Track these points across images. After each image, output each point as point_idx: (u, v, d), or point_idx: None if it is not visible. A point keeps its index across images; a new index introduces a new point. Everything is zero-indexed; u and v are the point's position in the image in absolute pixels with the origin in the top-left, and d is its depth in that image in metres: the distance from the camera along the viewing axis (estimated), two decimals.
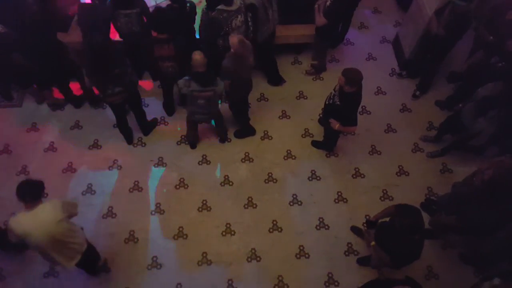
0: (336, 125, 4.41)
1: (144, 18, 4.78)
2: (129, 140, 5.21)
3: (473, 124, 4.39)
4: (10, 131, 5.30)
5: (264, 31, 5.01)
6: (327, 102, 4.49)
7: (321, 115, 5.22)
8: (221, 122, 5.04)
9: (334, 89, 4.37)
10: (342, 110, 4.28)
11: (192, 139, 5.18)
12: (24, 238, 3.24)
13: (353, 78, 4.00)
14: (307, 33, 5.58)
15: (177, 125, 5.42)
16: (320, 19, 4.97)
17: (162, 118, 5.47)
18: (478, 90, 4.48)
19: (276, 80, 5.71)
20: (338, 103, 4.26)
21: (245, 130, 5.31)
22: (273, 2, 4.94)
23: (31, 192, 3.27)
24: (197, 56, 4.13)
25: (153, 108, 5.52)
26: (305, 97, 5.68)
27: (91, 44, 4.07)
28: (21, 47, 4.58)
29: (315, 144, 5.24)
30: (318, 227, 4.74)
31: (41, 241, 3.25)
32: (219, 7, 4.55)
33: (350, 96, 4.14)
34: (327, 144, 5.17)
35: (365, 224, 4.69)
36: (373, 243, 3.64)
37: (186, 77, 4.26)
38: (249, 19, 4.81)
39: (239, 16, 4.66)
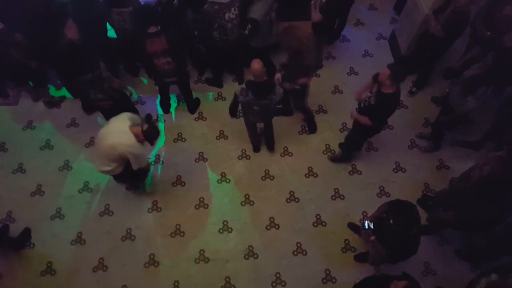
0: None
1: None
2: None
3: (462, 104, 4.39)
4: (6, 129, 5.28)
5: (260, 42, 5.00)
6: (362, 105, 4.32)
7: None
8: (270, 129, 4.95)
9: (370, 92, 4.19)
10: (376, 110, 4.09)
11: (256, 142, 5.11)
12: None
13: (399, 72, 3.84)
14: None
15: (174, 122, 5.42)
16: (316, 16, 4.96)
17: (159, 115, 5.45)
18: (465, 72, 4.49)
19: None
20: (373, 103, 4.08)
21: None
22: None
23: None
24: (256, 65, 3.94)
25: (150, 105, 5.51)
26: None
27: (59, 47, 4.03)
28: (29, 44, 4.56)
29: (333, 159, 5.13)
30: (315, 224, 4.74)
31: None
32: None
33: (388, 97, 3.96)
34: (345, 155, 5.06)
35: (361, 221, 4.70)
36: (373, 237, 3.65)
37: (243, 85, 4.18)
38: (247, 30, 4.77)
39: (232, 9, 4.63)
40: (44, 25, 4.37)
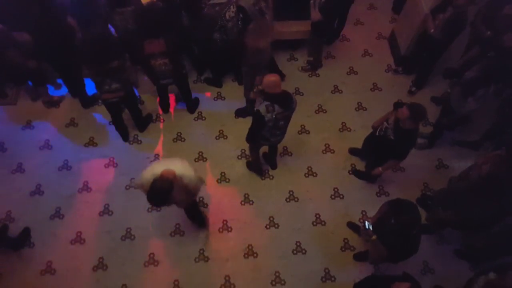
0: (379, 170, 4.28)
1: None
2: (125, 137, 5.19)
3: (462, 106, 4.39)
4: (5, 128, 5.27)
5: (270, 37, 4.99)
6: (377, 134, 4.19)
7: (354, 147, 5.04)
8: (276, 148, 4.88)
9: (387, 121, 4.07)
10: (395, 147, 3.99)
11: (259, 166, 4.94)
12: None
13: (420, 113, 3.69)
14: (302, 29, 5.57)
15: (173, 122, 5.42)
16: (316, 15, 4.97)
17: (158, 115, 5.45)
18: (465, 73, 4.49)
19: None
20: (392, 137, 3.96)
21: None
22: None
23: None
24: (272, 78, 3.80)
25: (149, 105, 5.51)
26: (301, 94, 5.68)
27: (91, 34, 4.03)
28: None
29: (356, 174, 5.05)
30: (314, 223, 4.75)
31: None
32: (210, 1, 4.52)
33: (408, 133, 3.85)
34: (370, 177, 4.88)
35: (361, 220, 4.71)
36: (374, 237, 3.66)
37: (266, 103, 3.86)
38: (239, 20, 4.78)
39: (231, 7, 4.62)
40: (50, 22, 4.36)
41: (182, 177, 3.47)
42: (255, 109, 3.96)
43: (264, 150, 4.96)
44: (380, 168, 4.29)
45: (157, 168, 3.39)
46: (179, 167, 3.49)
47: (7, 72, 4.90)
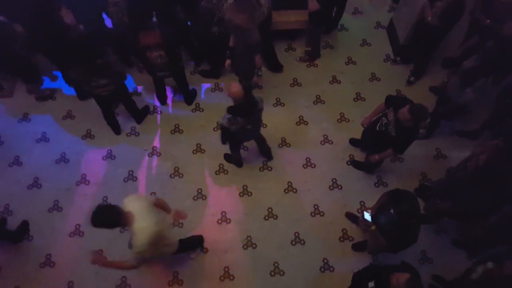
0: (375, 157, 4.26)
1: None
2: (117, 131, 5.17)
3: (460, 96, 4.37)
4: (1, 121, 5.24)
5: (258, 16, 4.93)
6: (377, 129, 4.14)
7: (354, 137, 4.99)
8: (263, 140, 4.86)
9: (386, 117, 4.04)
10: (396, 142, 3.98)
11: (238, 159, 4.95)
12: None
13: (421, 115, 3.68)
14: (300, 19, 5.51)
15: (171, 114, 5.39)
16: (313, 4, 4.90)
17: (155, 107, 5.42)
18: (463, 63, 4.46)
19: (275, 66, 5.65)
20: (393, 134, 3.95)
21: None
22: None
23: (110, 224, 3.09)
24: (235, 89, 3.71)
25: (146, 96, 5.48)
26: (300, 84, 5.65)
27: (74, 34, 4.01)
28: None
29: (355, 164, 5.05)
30: (313, 214, 4.76)
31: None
32: None
33: (409, 130, 3.84)
34: (368, 167, 4.94)
35: (359, 210, 4.72)
36: (373, 227, 3.67)
37: (228, 116, 3.86)
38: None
39: None
40: (44, 16, 4.30)
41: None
42: (219, 123, 3.94)
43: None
44: (376, 156, 4.28)
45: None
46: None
47: (2, 65, 4.87)
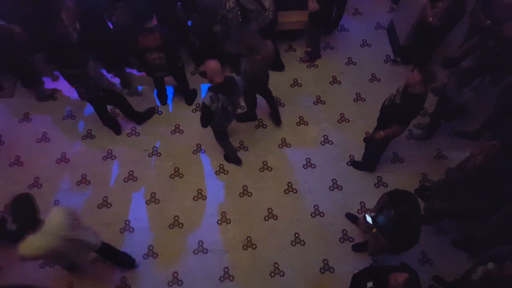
0: (380, 134, 4.22)
1: None
2: (117, 131, 5.18)
3: (458, 96, 4.37)
4: (2, 121, 5.25)
5: (260, 22, 4.95)
6: (385, 104, 4.11)
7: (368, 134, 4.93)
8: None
9: (397, 90, 4.02)
10: (401, 110, 3.91)
11: (235, 154, 4.94)
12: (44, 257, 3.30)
13: (430, 74, 3.66)
14: (301, 19, 5.51)
15: (171, 114, 5.39)
16: (313, 5, 4.91)
17: (156, 107, 5.43)
18: (461, 62, 4.46)
19: (277, 65, 5.65)
20: (398, 102, 3.90)
21: (248, 116, 5.28)
22: None
23: (27, 221, 3.18)
24: (213, 64, 3.76)
25: (147, 97, 5.48)
26: (300, 85, 5.65)
27: (49, 37, 4.05)
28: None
29: (355, 164, 5.06)
30: (313, 215, 4.76)
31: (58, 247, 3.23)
32: None
33: (416, 98, 3.81)
34: (368, 164, 4.97)
35: (359, 212, 4.72)
36: (374, 230, 3.66)
37: (210, 94, 3.87)
38: (239, 10, 4.74)
39: None
40: (42, 14, 4.31)
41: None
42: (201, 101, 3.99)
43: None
44: (381, 132, 4.21)
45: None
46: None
47: (3, 65, 4.88)
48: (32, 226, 3.17)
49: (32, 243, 3.15)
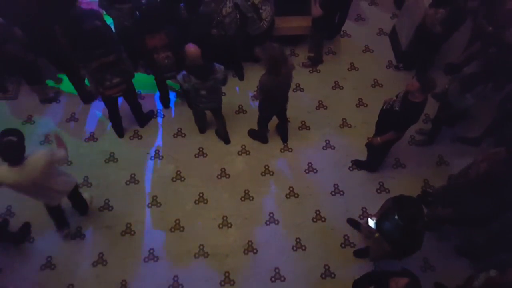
0: (377, 140, 4.27)
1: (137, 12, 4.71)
2: (120, 134, 5.20)
3: (460, 101, 4.38)
4: (5, 123, 5.23)
5: (254, 29, 4.99)
6: (384, 108, 4.17)
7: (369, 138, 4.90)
8: (222, 121, 4.98)
9: (396, 96, 4.07)
10: (399, 118, 3.96)
11: (201, 124, 5.19)
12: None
13: (429, 83, 3.68)
14: (303, 24, 5.55)
15: (174, 117, 5.41)
16: (316, 10, 4.94)
17: (159, 110, 5.45)
18: (464, 68, 4.47)
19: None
20: (397, 109, 3.94)
21: (259, 135, 5.22)
22: None
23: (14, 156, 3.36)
24: (192, 49, 4.01)
25: (149, 100, 5.50)
26: (302, 90, 5.67)
27: (85, 29, 4.05)
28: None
29: (357, 163, 5.07)
30: (314, 220, 4.75)
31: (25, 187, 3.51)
32: None
33: (415, 106, 3.84)
34: (371, 164, 4.98)
35: (361, 217, 4.71)
36: (377, 234, 3.64)
37: (183, 72, 4.17)
38: (237, 15, 4.79)
39: (228, 2, 4.61)
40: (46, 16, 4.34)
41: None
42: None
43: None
44: (378, 138, 4.26)
45: None
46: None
47: (6, 66, 4.90)
48: (14, 162, 3.35)
49: (4, 172, 3.37)
